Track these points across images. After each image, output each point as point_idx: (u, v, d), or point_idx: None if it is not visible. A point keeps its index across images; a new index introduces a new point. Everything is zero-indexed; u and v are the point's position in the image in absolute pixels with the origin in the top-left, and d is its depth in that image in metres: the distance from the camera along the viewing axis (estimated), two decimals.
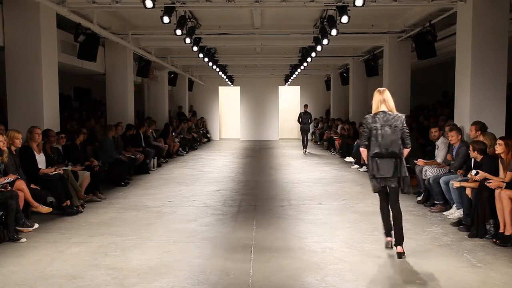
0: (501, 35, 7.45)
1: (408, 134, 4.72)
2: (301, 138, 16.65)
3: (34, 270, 4.38)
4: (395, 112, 4.70)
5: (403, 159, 4.70)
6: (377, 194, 4.93)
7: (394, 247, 4.79)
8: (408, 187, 4.73)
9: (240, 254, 4.83)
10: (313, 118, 17.36)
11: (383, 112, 4.68)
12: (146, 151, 11.02)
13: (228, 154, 15.60)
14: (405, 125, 4.69)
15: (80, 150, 8.08)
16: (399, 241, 4.70)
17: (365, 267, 4.44)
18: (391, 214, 4.84)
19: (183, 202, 7.48)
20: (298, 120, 16.25)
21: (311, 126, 17.49)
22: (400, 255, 4.64)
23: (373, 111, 4.76)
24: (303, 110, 16.45)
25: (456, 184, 5.88)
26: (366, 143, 4.76)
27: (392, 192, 4.76)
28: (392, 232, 4.81)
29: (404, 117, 4.73)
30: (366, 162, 4.90)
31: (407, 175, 4.78)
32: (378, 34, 11.49)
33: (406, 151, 4.72)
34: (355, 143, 12.16)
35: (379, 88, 4.87)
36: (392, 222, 4.81)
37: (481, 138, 6.14)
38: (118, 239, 5.36)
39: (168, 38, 11.76)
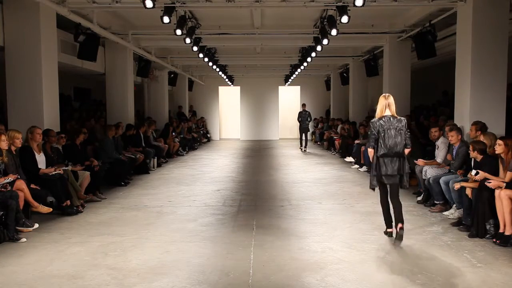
0: (501, 35, 7.45)
1: (410, 136, 5.24)
2: (299, 136, 17.09)
3: (34, 270, 4.39)
4: (397, 116, 5.15)
5: (406, 158, 5.20)
6: (376, 191, 5.45)
7: (393, 235, 5.24)
8: (407, 182, 5.24)
9: (240, 254, 4.83)
10: (312, 117, 17.64)
11: (388, 116, 5.11)
12: (146, 151, 11.03)
13: (228, 154, 15.60)
14: (406, 127, 5.17)
15: (80, 150, 8.08)
16: (400, 220, 5.13)
17: (365, 267, 4.44)
18: (391, 207, 5.28)
19: (183, 202, 7.49)
20: (298, 119, 16.76)
21: (310, 125, 17.77)
22: (401, 230, 5.07)
23: (378, 115, 5.17)
24: (301, 109, 16.87)
25: (457, 186, 5.87)
26: (373, 144, 5.17)
27: (393, 187, 5.25)
28: (393, 224, 5.26)
29: (405, 120, 5.20)
30: (372, 162, 5.32)
31: (409, 171, 5.41)
32: (378, 34, 11.48)
33: (407, 151, 5.21)
34: (355, 143, 12.16)
35: (384, 94, 5.31)
36: (392, 216, 5.27)
37: (481, 138, 6.14)
38: (118, 239, 5.36)
39: (168, 38, 11.76)
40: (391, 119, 5.08)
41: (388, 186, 5.26)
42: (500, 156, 5.46)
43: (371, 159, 5.32)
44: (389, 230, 5.36)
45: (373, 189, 5.44)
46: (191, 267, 4.46)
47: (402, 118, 5.15)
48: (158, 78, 16.22)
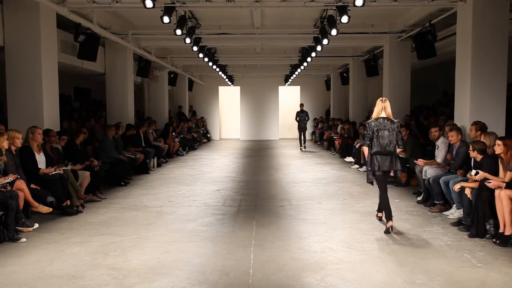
0: (501, 35, 7.44)
1: (401, 136, 5.85)
2: (298, 136, 17.23)
3: (34, 270, 4.39)
4: (392, 118, 5.70)
5: (397, 156, 5.79)
6: (376, 190, 5.98)
7: (383, 219, 5.78)
8: (399, 173, 6.05)
9: (240, 254, 4.83)
10: (310, 116, 17.86)
11: (383, 117, 5.64)
12: (146, 151, 11.03)
13: (228, 154, 15.60)
14: (399, 129, 5.75)
15: (80, 150, 8.08)
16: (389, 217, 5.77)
17: (365, 267, 4.44)
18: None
19: (183, 202, 7.49)
20: (296, 119, 16.95)
21: (308, 125, 17.90)
22: (381, 218, 6.00)
23: (374, 116, 5.70)
24: (299, 109, 17.05)
25: (457, 187, 5.87)
26: (368, 143, 5.71)
27: (385, 178, 5.93)
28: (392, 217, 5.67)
29: (398, 122, 5.79)
30: (367, 159, 5.87)
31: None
32: (378, 34, 11.47)
33: (398, 150, 5.82)
34: (357, 145, 12.14)
35: (381, 98, 5.85)
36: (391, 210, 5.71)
37: (482, 138, 6.14)
38: (118, 239, 5.36)
39: (168, 38, 11.76)
40: (385, 120, 5.61)
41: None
42: (500, 156, 5.46)
43: (366, 156, 5.92)
44: (390, 223, 5.56)
45: (371, 183, 5.88)
46: (191, 267, 4.46)
47: (395, 120, 5.68)
48: (158, 78, 16.22)
